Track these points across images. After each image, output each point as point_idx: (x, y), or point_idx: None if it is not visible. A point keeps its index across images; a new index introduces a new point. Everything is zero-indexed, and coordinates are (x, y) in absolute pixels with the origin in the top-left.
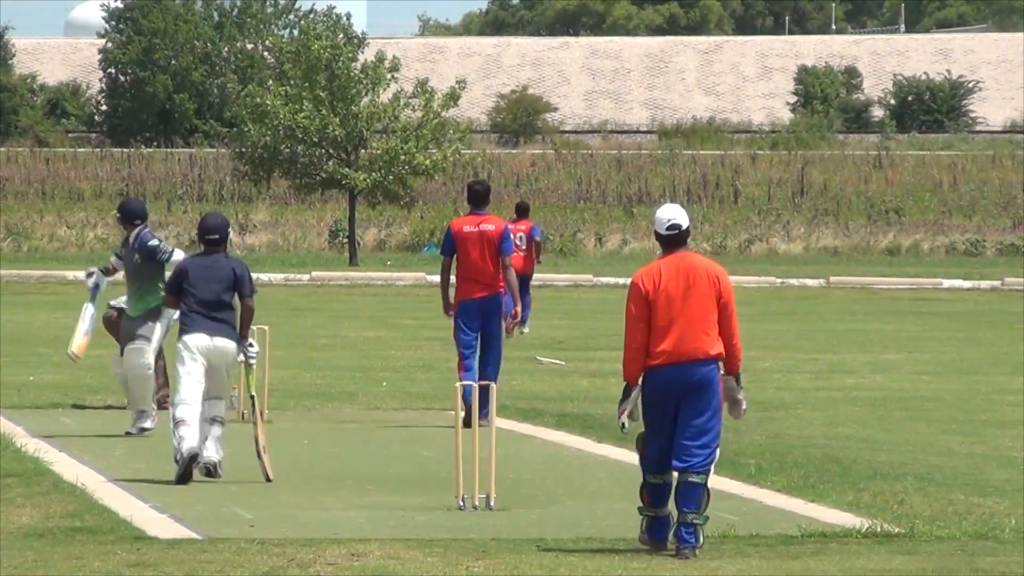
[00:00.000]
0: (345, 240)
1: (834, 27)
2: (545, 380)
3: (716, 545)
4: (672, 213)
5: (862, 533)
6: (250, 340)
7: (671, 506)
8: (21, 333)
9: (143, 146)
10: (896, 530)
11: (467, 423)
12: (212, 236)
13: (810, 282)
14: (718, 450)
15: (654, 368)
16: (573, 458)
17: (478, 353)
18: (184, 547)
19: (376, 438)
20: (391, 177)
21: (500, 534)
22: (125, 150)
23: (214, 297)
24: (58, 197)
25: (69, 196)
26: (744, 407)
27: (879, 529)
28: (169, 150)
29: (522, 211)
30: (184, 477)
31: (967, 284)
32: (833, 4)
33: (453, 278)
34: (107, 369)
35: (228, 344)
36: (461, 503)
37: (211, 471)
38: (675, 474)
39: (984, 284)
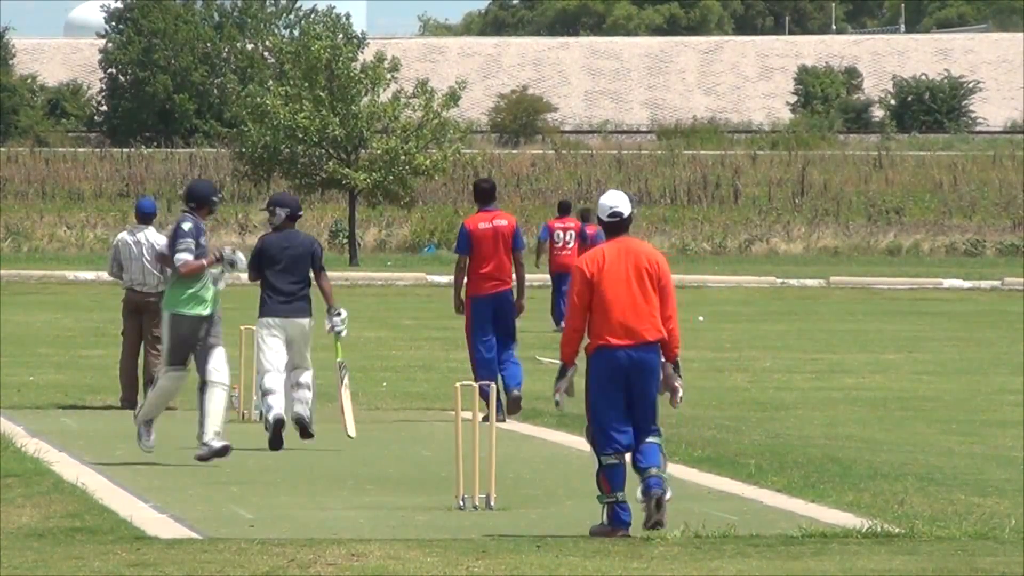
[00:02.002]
0: (345, 240)
1: (834, 27)
2: (545, 380)
3: (716, 545)
4: (615, 201)
5: (862, 533)
6: (337, 309)
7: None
8: (21, 333)
9: (143, 146)
10: (896, 530)
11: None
12: (290, 212)
13: (810, 282)
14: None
15: (601, 349)
16: (573, 458)
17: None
18: (184, 547)
19: (376, 438)
20: (391, 177)
21: (500, 534)
22: (125, 150)
23: (291, 272)
24: (58, 197)
25: (69, 196)
26: (681, 395)
27: (879, 529)
28: (169, 150)
29: (565, 209)
30: (275, 442)
31: (967, 284)
32: (833, 4)
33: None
34: (108, 369)
35: (301, 322)
36: (461, 503)
37: (304, 426)
38: (627, 457)
39: (984, 284)
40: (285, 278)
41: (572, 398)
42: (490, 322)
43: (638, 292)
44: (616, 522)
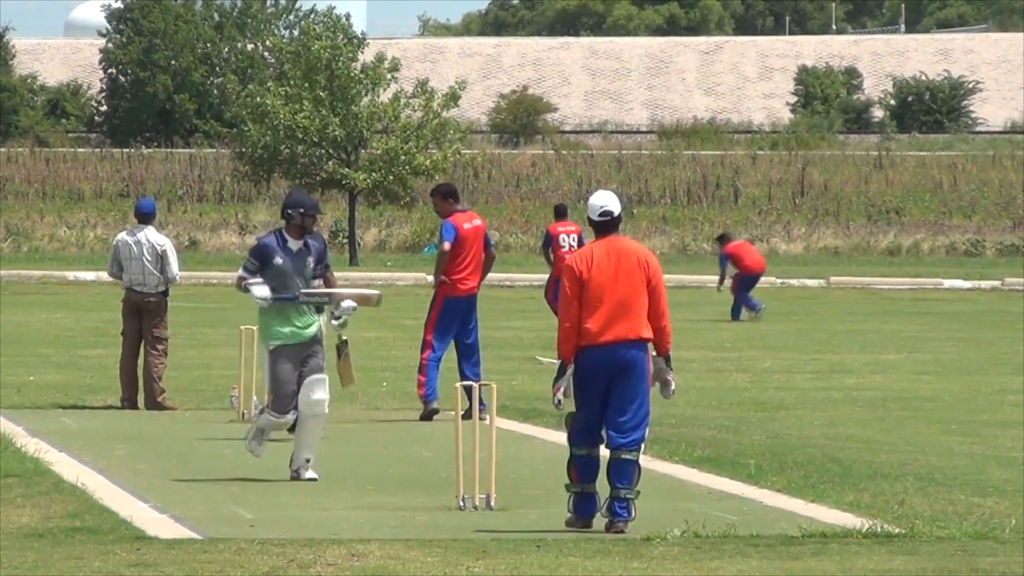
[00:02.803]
0: (345, 240)
1: (834, 27)
2: (545, 380)
3: (716, 545)
4: (605, 200)
5: (862, 533)
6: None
7: (601, 488)
8: (21, 333)
9: (143, 146)
10: (896, 530)
11: (467, 415)
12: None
13: (810, 282)
14: (648, 428)
15: (587, 348)
16: None
17: (450, 351)
18: (184, 547)
19: (376, 438)
20: (391, 177)
21: (500, 534)
22: (125, 150)
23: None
24: (58, 197)
25: (69, 196)
26: (673, 388)
27: (879, 529)
28: (169, 150)
29: (562, 213)
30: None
31: (967, 284)
32: (833, 4)
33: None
34: (108, 369)
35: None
36: (461, 503)
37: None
38: (604, 450)
39: (984, 284)
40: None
41: (569, 398)
42: (455, 327)
43: (627, 291)
44: (580, 512)
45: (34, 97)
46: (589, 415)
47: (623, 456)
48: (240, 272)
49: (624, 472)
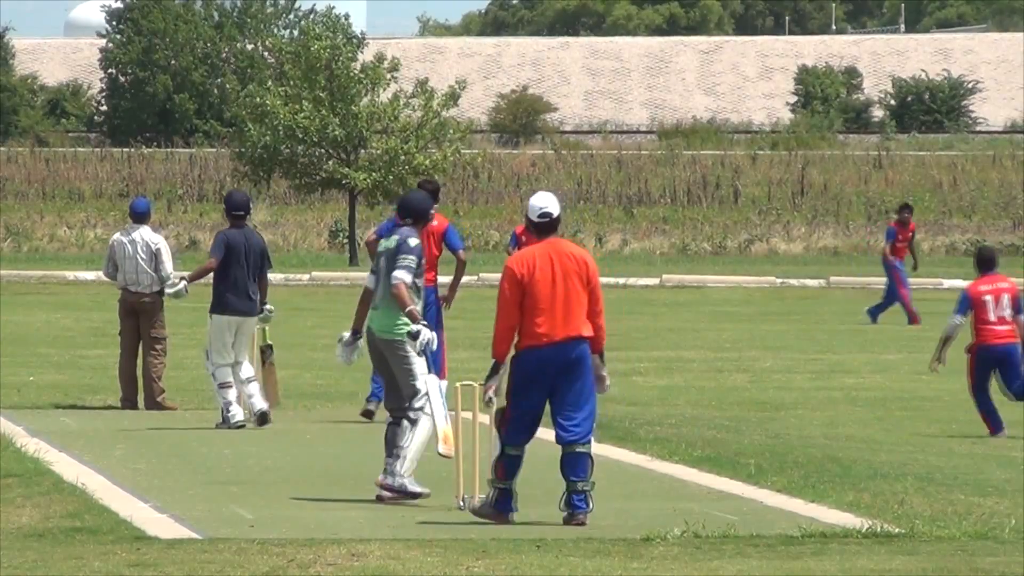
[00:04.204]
0: (345, 240)
1: (834, 27)
2: None
3: (716, 545)
4: (544, 201)
5: (862, 533)
6: (268, 305)
7: (561, 484)
8: (21, 333)
9: (143, 146)
10: (896, 530)
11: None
12: (238, 212)
13: (810, 282)
14: (595, 421)
15: (530, 348)
16: None
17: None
18: (184, 547)
19: (375, 438)
20: (391, 177)
21: (500, 534)
22: (125, 150)
23: (248, 268)
24: (58, 197)
25: (69, 196)
26: (608, 383)
27: (879, 529)
28: (169, 150)
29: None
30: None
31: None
32: (833, 4)
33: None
34: (108, 369)
35: (251, 320)
36: (461, 503)
37: (265, 418)
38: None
39: None
40: (242, 274)
41: (500, 395)
42: None
43: (566, 292)
44: (502, 507)
45: (34, 97)
46: (528, 416)
47: (577, 450)
48: (407, 276)
49: (579, 465)
